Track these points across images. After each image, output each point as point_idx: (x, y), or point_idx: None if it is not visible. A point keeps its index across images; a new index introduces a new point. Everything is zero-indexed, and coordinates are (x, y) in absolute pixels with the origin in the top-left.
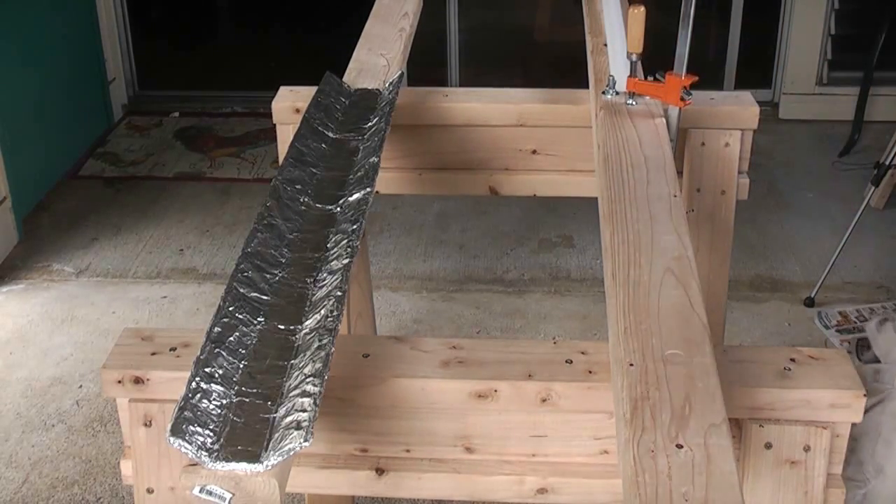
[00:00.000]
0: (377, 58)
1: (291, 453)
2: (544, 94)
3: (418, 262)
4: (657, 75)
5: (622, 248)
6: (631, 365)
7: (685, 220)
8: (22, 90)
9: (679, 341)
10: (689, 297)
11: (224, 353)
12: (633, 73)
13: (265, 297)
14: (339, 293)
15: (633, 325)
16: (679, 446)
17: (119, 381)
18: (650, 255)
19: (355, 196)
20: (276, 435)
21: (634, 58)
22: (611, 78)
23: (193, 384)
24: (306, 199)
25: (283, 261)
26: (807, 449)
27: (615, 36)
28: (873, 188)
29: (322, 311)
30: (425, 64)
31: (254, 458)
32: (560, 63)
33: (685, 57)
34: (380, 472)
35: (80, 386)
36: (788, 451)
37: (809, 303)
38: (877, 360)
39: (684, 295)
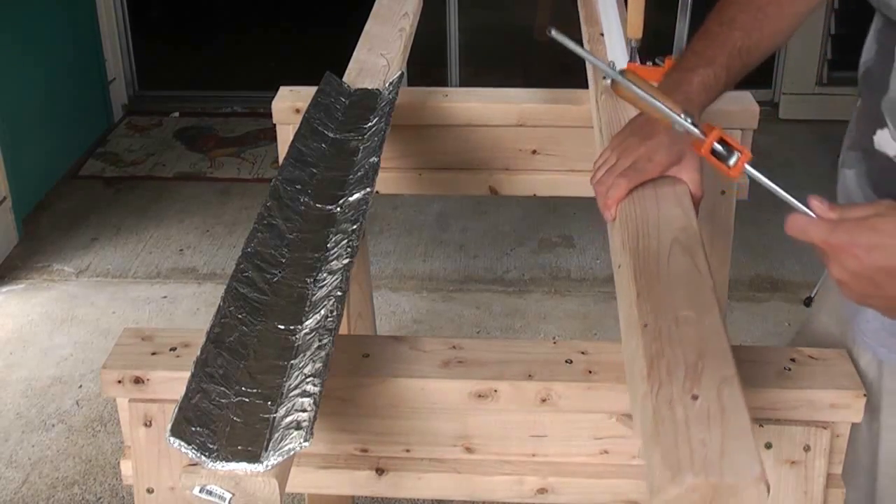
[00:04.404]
0: (377, 58)
1: (291, 453)
2: (544, 94)
3: (418, 262)
4: (656, 60)
5: (630, 221)
6: (646, 325)
7: (689, 197)
8: (22, 90)
9: (689, 304)
10: (696, 264)
11: (224, 353)
12: (632, 59)
13: (265, 297)
14: (339, 293)
15: (646, 290)
16: (695, 397)
17: (119, 381)
18: (657, 226)
19: (355, 196)
20: (276, 435)
21: (634, 44)
22: (611, 63)
23: (193, 384)
24: (306, 199)
25: (283, 261)
26: (807, 449)
27: (611, 23)
28: None
29: (322, 311)
30: (425, 64)
31: (254, 458)
32: (560, 63)
33: (684, 42)
34: (380, 472)
35: (80, 386)
36: (788, 451)
37: (809, 303)
38: None
39: (691, 262)
